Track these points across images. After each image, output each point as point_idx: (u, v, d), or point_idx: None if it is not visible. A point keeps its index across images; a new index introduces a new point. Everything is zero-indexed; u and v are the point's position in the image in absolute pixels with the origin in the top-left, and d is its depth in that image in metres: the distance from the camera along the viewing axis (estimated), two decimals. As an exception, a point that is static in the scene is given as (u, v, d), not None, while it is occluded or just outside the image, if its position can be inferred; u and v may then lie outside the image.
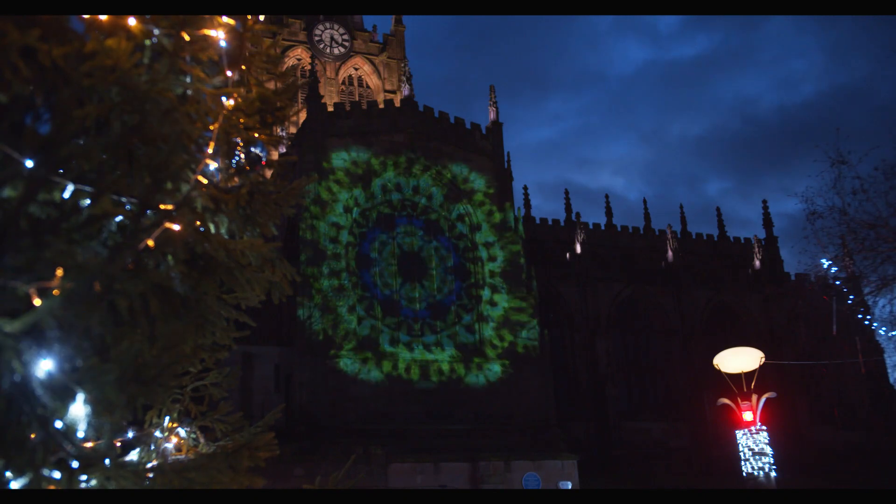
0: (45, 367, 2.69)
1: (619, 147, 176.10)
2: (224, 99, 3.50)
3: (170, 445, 4.32)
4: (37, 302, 2.66)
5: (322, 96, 40.11)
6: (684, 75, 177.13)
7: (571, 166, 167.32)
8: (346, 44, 54.85)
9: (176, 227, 3.06)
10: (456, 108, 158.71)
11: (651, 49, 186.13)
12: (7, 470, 2.71)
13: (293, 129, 46.30)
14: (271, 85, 3.78)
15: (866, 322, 23.90)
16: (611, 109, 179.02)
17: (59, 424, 2.74)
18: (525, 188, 50.47)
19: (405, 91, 41.58)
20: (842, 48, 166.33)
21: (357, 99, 52.74)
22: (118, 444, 3.58)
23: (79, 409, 2.80)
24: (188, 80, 3.36)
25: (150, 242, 2.96)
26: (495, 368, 36.42)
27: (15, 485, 2.73)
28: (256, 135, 3.63)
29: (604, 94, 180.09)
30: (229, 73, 3.53)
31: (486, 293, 37.60)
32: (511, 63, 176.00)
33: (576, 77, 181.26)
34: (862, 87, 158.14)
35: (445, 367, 35.74)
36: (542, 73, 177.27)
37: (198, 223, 3.27)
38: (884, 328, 22.95)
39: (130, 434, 4.05)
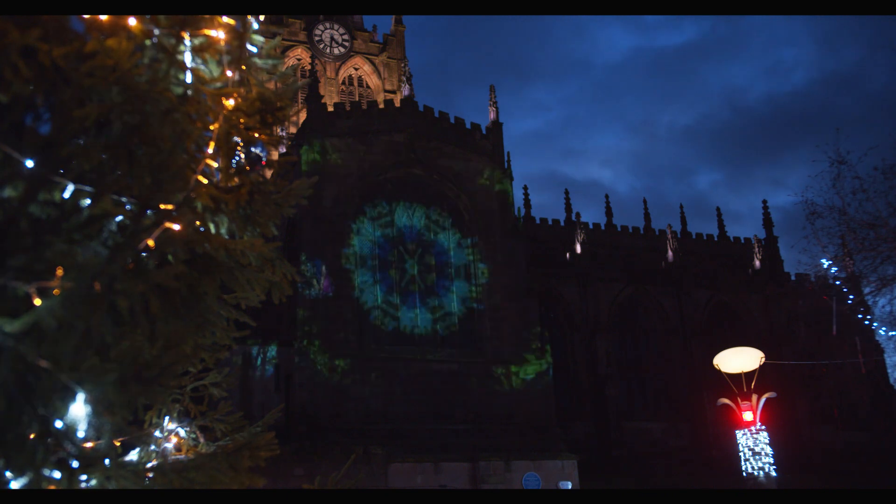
0: (45, 367, 2.69)
1: (606, 138, 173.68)
2: (224, 99, 3.50)
3: (170, 445, 4.32)
4: (37, 302, 2.66)
5: (322, 96, 40.10)
6: (672, 64, 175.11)
7: (557, 157, 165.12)
8: (346, 44, 54.86)
9: (176, 227, 3.06)
10: (438, 95, 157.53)
11: (637, 36, 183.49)
12: (7, 470, 2.71)
13: (293, 129, 46.31)
14: (271, 85, 3.79)
15: (866, 322, 23.89)
16: (596, 99, 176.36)
17: (59, 424, 2.74)
18: (525, 188, 50.53)
19: (405, 91, 41.56)
20: (832, 35, 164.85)
21: (357, 99, 52.74)
22: (118, 443, 3.58)
23: (79, 409, 2.80)
24: (188, 80, 3.36)
25: (151, 242, 2.97)
26: (495, 369, 36.41)
27: (15, 485, 2.73)
28: (256, 135, 3.63)
29: (589, 83, 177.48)
30: (229, 73, 3.53)
31: (485, 294, 37.59)
32: (492, 50, 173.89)
33: (560, 65, 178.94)
34: (854, 75, 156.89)
35: (445, 367, 35.72)
36: (524, 61, 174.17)
37: (198, 223, 3.27)
38: (884, 328, 22.95)
39: (130, 434, 4.05)
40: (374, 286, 36.35)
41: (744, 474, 19.16)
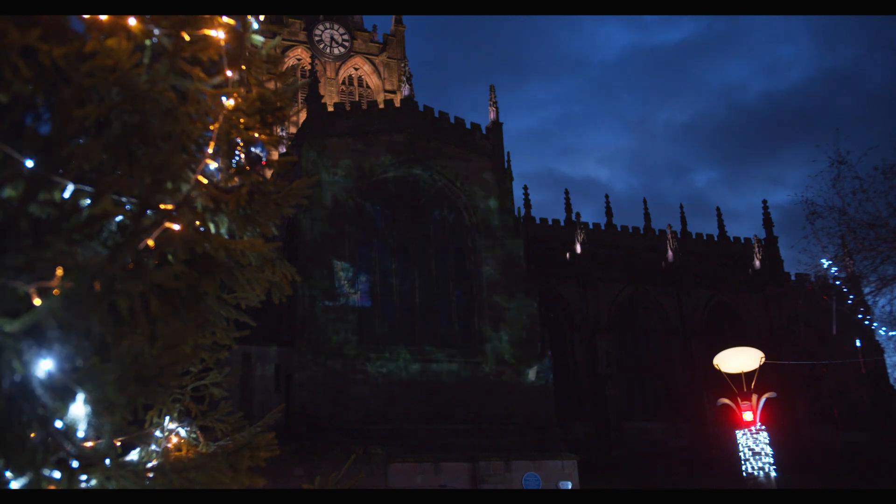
0: (45, 367, 2.69)
1: (604, 136, 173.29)
2: (224, 99, 3.50)
3: (170, 445, 4.32)
4: (37, 302, 2.66)
5: (322, 96, 40.09)
6: (669, 61, 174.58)
7: (554, 155, 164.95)
8: (346, 44, 54.85)
9: (176, 227, 3.06)
10: (436, 93, 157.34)
11: (634, 34, 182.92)
12: (7, 470, 2.71)
13: (293, 129, 46.31)
14: (271, 85, 3.78)
15: (866, 322, 23.88)
16: (593, 96, 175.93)
17: (59, 424, 2.74)
18: (525, 188, 50.54)
19: (405, 91, 41.54)
20: (830, 33, 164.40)
21: (357, 99, 52.73)
22: (118, 443, 3.58)
23: (79, 409, 2.80)
24: (188, 80, 3.36)
25: (150, 242, 2.96)
26: (495, 368, 36.40)
27: (15, 485, 2.73)
28: (256, 135, 3.63)
29: (586, 80, 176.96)
30: (229, 73, 3.53)
31: (485, 294, 37.58)
32: (490, 48, 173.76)
33: (556, 62, 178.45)
34: (853, 73, 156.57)
35: (445, 367, 35.71)
36: (521, 59, 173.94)
37: (198, 223, 3.27)
38: (884, 328, 22.94)
39: (130, 434, 4.04)
40: (374, 286, 36.34)
41: (744, 474, 19.16)
